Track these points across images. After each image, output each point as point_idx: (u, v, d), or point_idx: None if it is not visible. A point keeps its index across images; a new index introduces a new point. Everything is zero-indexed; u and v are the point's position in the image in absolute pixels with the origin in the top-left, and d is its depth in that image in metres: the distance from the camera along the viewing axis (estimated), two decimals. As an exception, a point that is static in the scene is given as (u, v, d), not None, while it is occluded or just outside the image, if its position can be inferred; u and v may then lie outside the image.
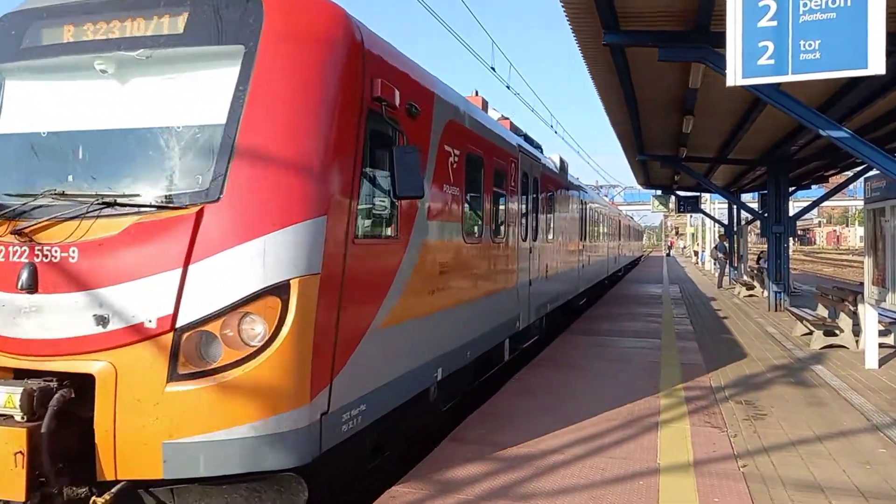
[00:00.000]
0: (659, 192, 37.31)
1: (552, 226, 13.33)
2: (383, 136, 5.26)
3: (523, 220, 10.63)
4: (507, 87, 19.33)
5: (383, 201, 5.44)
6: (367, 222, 5.28)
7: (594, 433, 6.67)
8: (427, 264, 6.24)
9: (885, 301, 9.74)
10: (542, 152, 13.06)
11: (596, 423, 7.05)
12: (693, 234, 66.74)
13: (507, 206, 9.51)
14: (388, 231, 5.59)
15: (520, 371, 9.72)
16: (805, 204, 23.26)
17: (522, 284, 10.34)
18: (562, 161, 14.66)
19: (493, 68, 16.42)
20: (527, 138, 12.03)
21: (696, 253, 57.69)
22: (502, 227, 9.36)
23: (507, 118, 11.10)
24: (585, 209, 18.59)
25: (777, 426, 7.04)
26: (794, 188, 23.68)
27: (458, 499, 5.00)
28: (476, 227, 8.12)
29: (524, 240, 10.55)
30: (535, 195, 11.52)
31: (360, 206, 4.96)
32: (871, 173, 17.08)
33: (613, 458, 5.94)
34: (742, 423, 7.15)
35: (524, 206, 10.71)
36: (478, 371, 9.02)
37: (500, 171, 9.03)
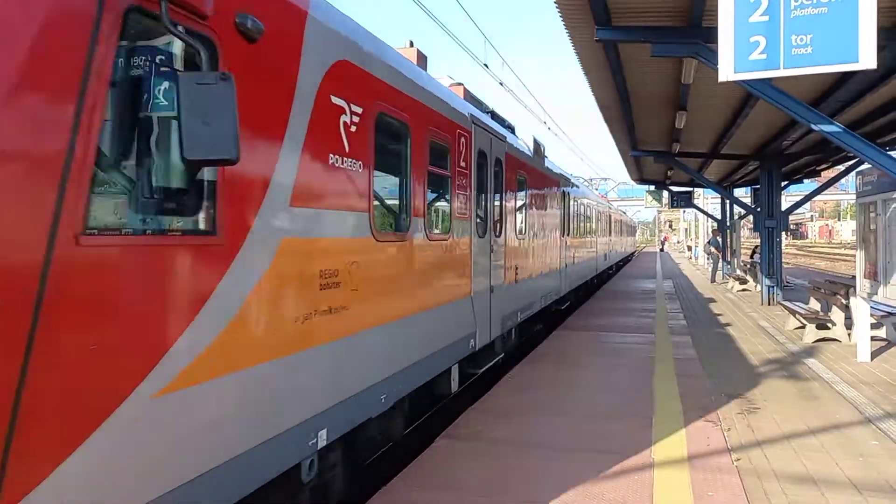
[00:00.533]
0: (652, 188, 37.39)
1: (524, 219, 11.24)
2: (172, 59, 3.35)
3: (481, 212, 8.56)
4: (501, 84, 19.30)
5: (172, 169, 3.40)
6: (127, 205, 3.18)
7: (588, 429, 6.69)
8: (291, 276, 4.08)
9: (876, 294, 9.82)
10: (513, 133, 11.17)
11: (590, 418, 7.07)
12: (686, 230, 67.00)
13: (455, 193, 7.37)
14: (193, 222, 3.42)
15: (514, 367, 9.73)
16: (797, 198, 23.31)
17: (480, 293, 8.29)
18: (536, 143, 12.56)
19: (485, 65, 16.38)
20: (493, 115, 10.19)
21: (689, 248, 57.91)
22: (446, 220, 7.29)
23: (460, 84, 9.08)
24: (569, 201, 16.58)
25: (770, 420, 7.07)
26: (786, 183, 23.77)
27: (452, 495, 5.01)
28: (398, 219, 6.12)
29: (482, 236, 8.50)
30: (498, 181, 9.41)
31: (103, 174, 2.96)
32: (862, 167, 17.22)
33: (607, 452, 5.96)
34: (735, 416, 7.18)
35: (482, 195, 8.62)
36: (427, 405, 7.71)
37: (440, 145, 6.89)
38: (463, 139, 7.71)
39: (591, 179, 41.44)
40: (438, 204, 7.37)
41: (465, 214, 7.76)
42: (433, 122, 6.69)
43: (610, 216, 31.02)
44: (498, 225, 9.38)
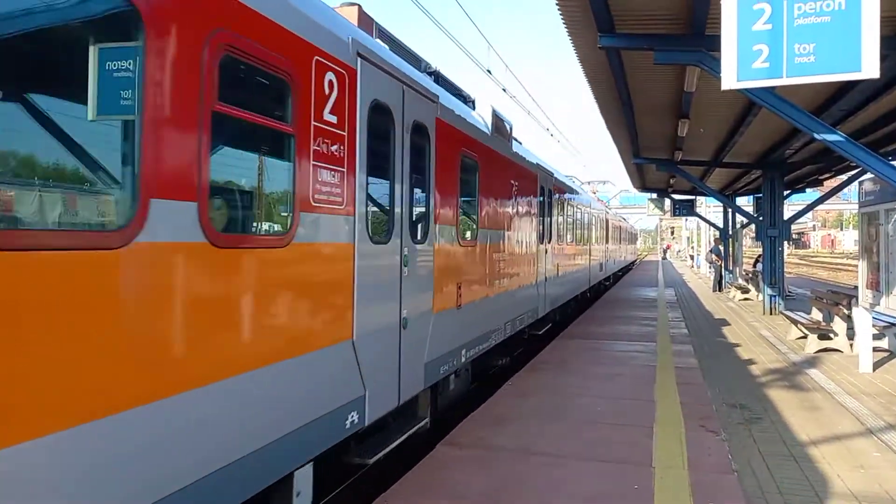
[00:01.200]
0: (654, 196, 37.38)
1: (475, 218, 8.38)
2: None
3: (383, 203, 5.81)
4: (504, 90, 19.34)
5: None
6: None
7: (589, 437, 6.65)
8: None
9: (878, 305, 9.78)
10: (472, 107, 8.70)
11: (591, 426, 7.03)
12: (689, 238, 66.98)
13: (306, 166, 4.45)
14: None
15: (515, 374, 9.69)
16: (800, 207, 23.31)
17: (377, 332, 5.33)
18: (498, 118, 9.38)
19: (489, 71, 16.42)
20: (439, 78, 7.78)
21: (691, 257, 57.88)
22: (277, 212, 4.65)
23: (354, 4, 6.25)
24: (551, 200, 13.54)
25: (772, 430, 7.03)
26: (788, 192, 23.76)
27: (451, 503, 4.97)
28: (95, 205, 3.53)
29: (384, 241, 5.55)
30: (422, 160, 6.50)
31: None
32: (864, 177, 17.20)
33: (608, 461, 5.92)
34: (737, 426, 7.15)
35: (385, 176, 5.75)
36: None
37: (259, 72, 4.08)
38: (332, 78, 4.74)
39: (588, 182, 39.44)
40: (255, 180, 4.73)
41: (335, 204, 4.75)
42: (230, 20, 3.70)
43: (606, 221, 27.81)
44: (421, 225, 6.52)
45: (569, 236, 16.62)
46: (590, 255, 21.18)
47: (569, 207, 16.48)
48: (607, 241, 27.96)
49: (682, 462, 5.91)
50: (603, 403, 7.99)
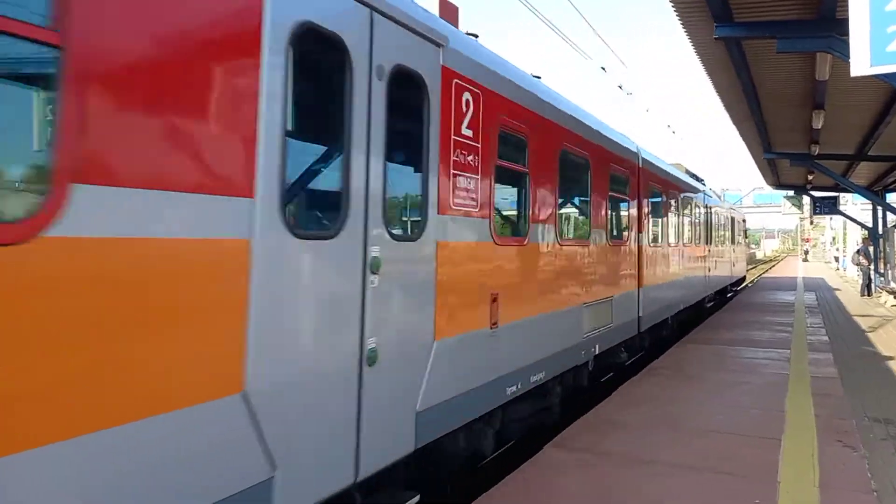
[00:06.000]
0: (791, 193, 34.74)
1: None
2: None
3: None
4: (619, 87, 18.86)
5: None
6: None
7: (705, 447, 6.34)
8: None
9: None
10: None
11: (708, 436, 6.69)
12: (833, 238, 61.58)
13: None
14: None
15: (630, 379, 9.41)
16: (965, 202, 20.76)
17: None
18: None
19: (603, 68, 16.13)
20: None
21: (836, 258, 53.24)
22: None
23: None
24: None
25: (922, 447, 6.35)
26: (950, 185, 21.26)
27: (557, 507, 4.94)
28: None
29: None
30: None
31: None
32: None
33: (727, 473, 5.62)
34: (880, 442, 6.52)
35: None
36: None
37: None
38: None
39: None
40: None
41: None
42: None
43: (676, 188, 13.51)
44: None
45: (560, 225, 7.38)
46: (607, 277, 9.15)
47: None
48: (678, 238, 13.83)
49: (812, 478, 5.50)
50: (724, 412, 7.58)
